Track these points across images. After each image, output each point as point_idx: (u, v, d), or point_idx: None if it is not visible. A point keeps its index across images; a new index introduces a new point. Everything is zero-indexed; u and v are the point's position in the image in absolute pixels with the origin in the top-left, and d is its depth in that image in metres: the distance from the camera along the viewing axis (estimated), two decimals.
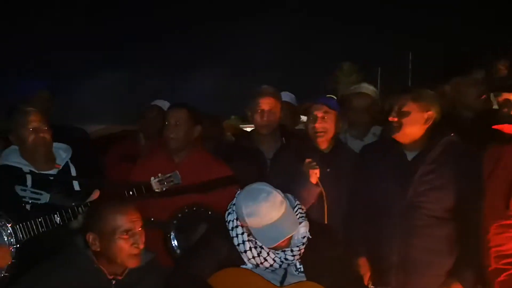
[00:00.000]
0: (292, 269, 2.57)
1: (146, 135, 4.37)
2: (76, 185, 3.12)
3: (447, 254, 2.90)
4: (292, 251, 2.51)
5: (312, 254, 2.55)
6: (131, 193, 2.91)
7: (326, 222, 3.12)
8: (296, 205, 2.63)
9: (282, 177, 3.11)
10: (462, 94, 3.57)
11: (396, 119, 2.93)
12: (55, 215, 2.70)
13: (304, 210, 2.65)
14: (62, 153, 3.22)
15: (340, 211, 3.18)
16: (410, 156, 2.98)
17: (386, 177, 2.99)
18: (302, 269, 2.57)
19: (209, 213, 3.24)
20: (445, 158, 2.92)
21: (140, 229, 2.45)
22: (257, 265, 2.53)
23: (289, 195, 2.65)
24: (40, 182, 3.04)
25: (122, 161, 4.04)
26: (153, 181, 2.99)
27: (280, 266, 2.53)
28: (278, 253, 2.50)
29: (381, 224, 2.97)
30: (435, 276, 2.91)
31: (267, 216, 2.42)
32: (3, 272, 2.47)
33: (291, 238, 2.51)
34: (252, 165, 3.51)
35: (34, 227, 2.65)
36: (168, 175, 3.03)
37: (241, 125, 7.76)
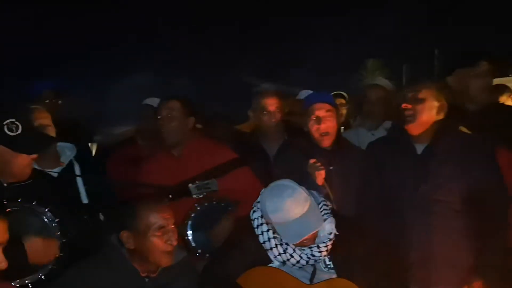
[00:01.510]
0: (321, 265, 2.55)
1: (143, 135, 4.27)
2: (80, 183, 3.18)
3: (468, 249, 2.85)
4: (318, 247, 2.49)
5: (341, 250, 2.53)
6: (170, 196, 2.96)
7: None
8: (321, 201, 2.61)
9: (285, 175, 3.00)
10: (466, 86, 3.42)
11: (410, 106, 2.91)
12: (100, 213, 2.77)
13: (330, 206, 2.63)
14: (67, 151, 3.28)
15: (346, 209, 3.09)
16: (419, 149, 2.95)
17: (396, 173, 2.95)
18: (331, 266, 2.55)
19: (222, 204, 3.22)
20: (454, 148, 2.90)
21: (173, 226, 2.47)
22: (284, 262, 2.52)
23: (314, 192, 2.63)
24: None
25: (123, 163, 3.97)
26: (192, 186, 3.05)
27: (307, 262, 2.51)
28: (304, 250, 2.49)
29: (395, 221, 2.93)
30: (456, 272, 2.85)
31: (291, 213, 2.41)
32: (50, 264, 2.52)
33: (317, 234, 2.49)
34: (255, 162, 3.49)
35: (81, 223, 2.71)
36: (206, 182, 3.09)
37: None
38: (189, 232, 3.18)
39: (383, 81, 4.20)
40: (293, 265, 2.51)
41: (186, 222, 3.18)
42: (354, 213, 3.11)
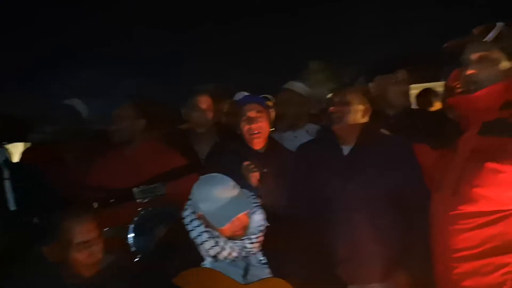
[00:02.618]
0: (253, 260, 2.55)
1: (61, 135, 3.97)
2: (8, 187, 3.03)
3: (392, 244, 2.92)
4: (250, 239, 2.51)
5: (274, 245, 2.55)
6: (112, 201, 2.95)
7: None
8: (250, 196, 2.65)
9: None
10: (385, 92, 3.59)
11: (337, 110, 3.06)
12: (34, 217, 2.73)
13: (259, 201, 2.66)
14: None
15: (279, 210, 3.05)
16: (346, 150, 3.07)
17: (324, 173, 3.05)
18: (264, 261, 2.55)
19: (167, 210, 3.20)
20: (378, 148, 3.01)
21: (97, 238, 2.46)
22: (215, 257, 2.51)
23: (244, 189, 2.65)
24: None
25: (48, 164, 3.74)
26: (136, 190, 3.02)
27: (240, 254, 2.51)
28: (236, 242, 2.50)
29: (325, 220, 2.99)
30: (382, 266, 2.93)
31: (220, 197, 2.46)
32: None
33: (247, 226, 2.52)
34: (187, 163, 3.47)
35: (14, 227, 2.68)
36: (152, 185, 3.07)
37: None
38: (130, 236, 3.16)
39: (294, 85, 4.37)
40: (225, 258, 2.50)
41: (127, 226, 3.16)
42: (286, 213, 3.07)
